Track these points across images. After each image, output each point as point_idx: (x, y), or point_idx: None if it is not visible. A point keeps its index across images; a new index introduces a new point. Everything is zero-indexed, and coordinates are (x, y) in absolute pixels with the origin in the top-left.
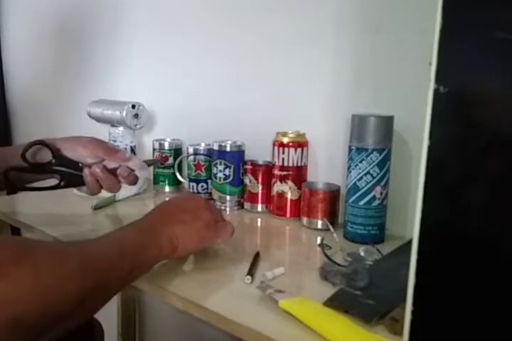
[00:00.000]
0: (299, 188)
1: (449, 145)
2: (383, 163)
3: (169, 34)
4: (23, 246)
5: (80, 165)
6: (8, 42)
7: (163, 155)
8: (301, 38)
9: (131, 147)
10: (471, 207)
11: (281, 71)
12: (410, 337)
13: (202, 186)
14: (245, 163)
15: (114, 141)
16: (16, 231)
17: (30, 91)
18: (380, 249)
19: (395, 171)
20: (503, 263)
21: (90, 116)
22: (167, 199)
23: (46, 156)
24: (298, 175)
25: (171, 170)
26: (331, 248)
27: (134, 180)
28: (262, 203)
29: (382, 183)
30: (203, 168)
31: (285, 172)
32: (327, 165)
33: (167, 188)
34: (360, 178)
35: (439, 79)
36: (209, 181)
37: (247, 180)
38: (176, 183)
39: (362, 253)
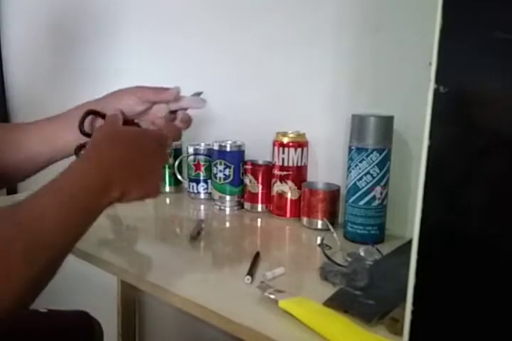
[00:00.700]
0: (299, 188)
1: (449, 145)
2: (383, 163)
3: (169, 34)
4: None
5: (137, 122)
6: (8, 41)
7: None
8: (301, 38)
9: None
10: (471, 207)
11: (281, 71)
12: (410, 337)
13: (202, 186)
14: (245, 163)
15: None
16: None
17: (31, 91)
18: (380, 249)
19: (395, 171)
20: (503, 263)
21: None
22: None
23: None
24: (298, 175)
25: (171, 170)
26: (331, 248)
27: (190, 123)
28: (262, 203)
29: (382, 183)
30: (202, 168)
31: (285, 172)
32: (327, 165)
33: (167, 188)
34: (360, 178)
35: (439, 79)
36: (209, 181)
37: (247, 180)
38: (176, 183)
39: (362, 253)
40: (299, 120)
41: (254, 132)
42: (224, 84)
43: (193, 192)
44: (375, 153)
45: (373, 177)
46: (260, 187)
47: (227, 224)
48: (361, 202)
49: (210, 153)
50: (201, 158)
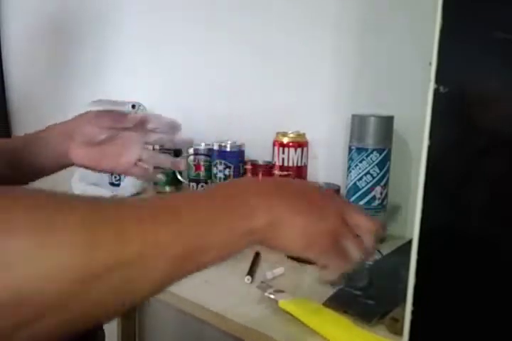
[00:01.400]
0: None
1: (449, 146)
2: (383, 163)
3: (170, 35)
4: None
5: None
6: (8, 42)
7: None
8: (302, 39)
9: None
10: (471, 207)
11: (281, 71)
12: (410, 337)
13: (202, 186)
14: (245, 163)
15: None
16: None
17: (30, 91)
18: (380, 249)
19: (395, 171)
20: (503, 263)
21: None
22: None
23: None
24: (298, 175)
25: (171, 170)
26: None
27: (179, 128)
28: None
29: (382, 183)
30: (202, 168)
31: (285, 172)
32: (327, 165)
33: (167, 188)
34: (360, 178)
35: (439, 79)
36: (209, 181)
37: None
38: (176, 183)
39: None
40: (299, 120)
41: (254, 132)
42: (224, 84)
43: None
44: (375, 153)
45: (373, 177)
46: None
47: None
48: (361, 202)
49: (210, 153)
50: (201, 158)
